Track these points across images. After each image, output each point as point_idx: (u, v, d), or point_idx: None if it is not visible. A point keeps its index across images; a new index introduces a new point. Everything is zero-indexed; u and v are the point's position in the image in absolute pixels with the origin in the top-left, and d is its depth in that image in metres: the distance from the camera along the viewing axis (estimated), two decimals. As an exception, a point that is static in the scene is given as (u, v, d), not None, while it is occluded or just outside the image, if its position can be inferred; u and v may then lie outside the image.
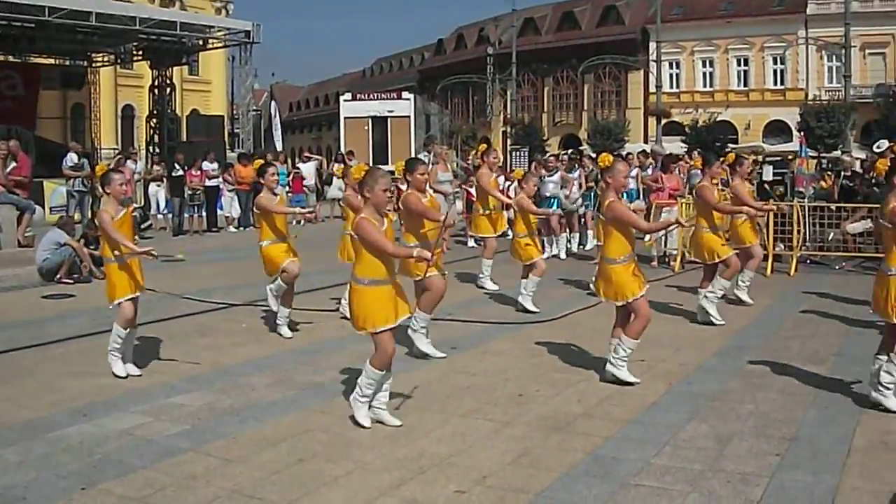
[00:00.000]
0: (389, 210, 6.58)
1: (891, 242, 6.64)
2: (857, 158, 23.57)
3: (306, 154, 30.63)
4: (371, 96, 41.15)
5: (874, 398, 6.76)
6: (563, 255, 16.52)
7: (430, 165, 13.77)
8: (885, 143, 18.57)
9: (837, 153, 34.27)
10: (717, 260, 10.40)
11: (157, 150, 30.32)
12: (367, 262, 6.25)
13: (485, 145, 14.44)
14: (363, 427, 6.29)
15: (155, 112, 33.04)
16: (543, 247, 14.01)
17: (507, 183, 22.06)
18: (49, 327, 10.17)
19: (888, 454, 5.80)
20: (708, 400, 7.09)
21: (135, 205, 21.44)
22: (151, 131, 32.86)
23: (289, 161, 33.09)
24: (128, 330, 7.86)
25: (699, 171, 18.36)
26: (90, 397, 7.18)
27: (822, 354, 8.67)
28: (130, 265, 7.84)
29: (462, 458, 5.74)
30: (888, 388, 6.69)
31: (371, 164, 29.55)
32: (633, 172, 19.54)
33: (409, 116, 38.14)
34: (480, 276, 12.90)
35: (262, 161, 11.02)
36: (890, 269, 6.62)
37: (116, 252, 7.74)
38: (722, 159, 11.80)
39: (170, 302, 11.46)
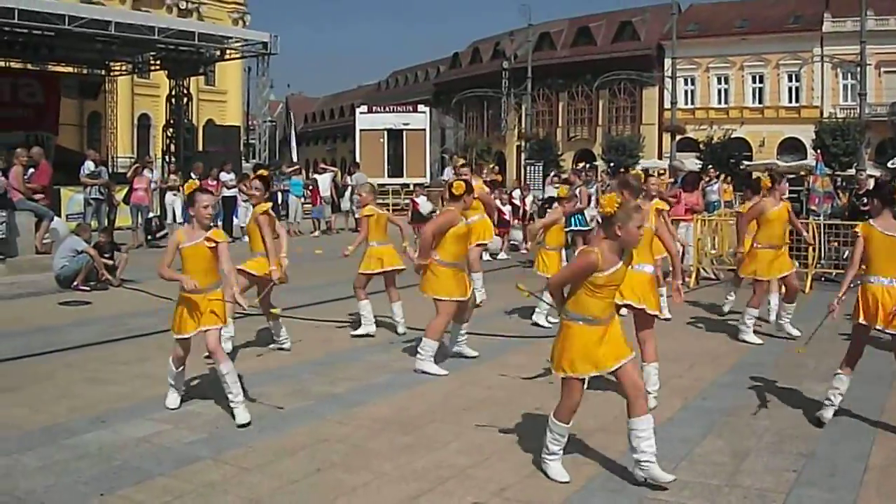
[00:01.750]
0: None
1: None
2: (871, 176, 23.54)
3: (322, 166, 30.77)
4: (386, 109, 41.41)
5: None
6: None
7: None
8: None
9: (852, 171, 34.25)
10: (762, 278, 10.36)
11: (174, 160, 30.47)
12: (579, 297, 5.45)
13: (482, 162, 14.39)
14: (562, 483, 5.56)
15: (171, 121, 33.22)
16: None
17: (523, 195, 22.36)
18: (66, 334, 10.24)
19: (905, 473, 5.80)
20: (723, 415, 7.10)
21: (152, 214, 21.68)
22: (168, 140, 33.04)
23: (303, 172, 33.24)
24: (180, 369, 7.15)
25: (714, 188, 18.54)
26: (108, 404, 7.22)
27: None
28: (193, 298, 6.84)
29: (480, 469, 5.76)
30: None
31: (386, 177, 29.56)
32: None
33: (424, 129, 38.34)
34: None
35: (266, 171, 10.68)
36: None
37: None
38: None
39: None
